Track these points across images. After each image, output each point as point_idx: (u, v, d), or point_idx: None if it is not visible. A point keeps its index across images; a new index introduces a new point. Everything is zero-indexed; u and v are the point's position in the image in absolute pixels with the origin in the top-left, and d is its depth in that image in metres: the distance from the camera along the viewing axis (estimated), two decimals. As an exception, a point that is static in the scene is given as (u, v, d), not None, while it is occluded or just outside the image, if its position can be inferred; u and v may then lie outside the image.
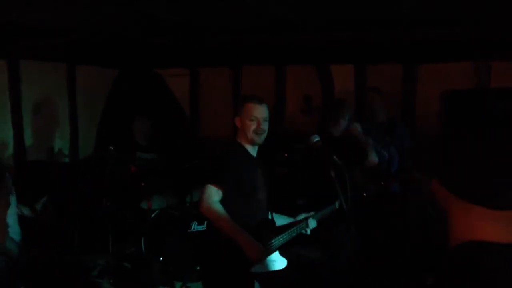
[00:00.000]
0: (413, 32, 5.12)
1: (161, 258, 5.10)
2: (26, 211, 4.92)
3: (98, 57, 6.94)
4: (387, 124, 5.41)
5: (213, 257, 3.39)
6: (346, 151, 3.90)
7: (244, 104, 3.55)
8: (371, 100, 5.62)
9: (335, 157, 3.49)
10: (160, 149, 6.12)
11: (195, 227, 5.17)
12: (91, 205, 5.66)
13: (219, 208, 3.32)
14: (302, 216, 3.73)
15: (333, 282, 4.05)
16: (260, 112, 3.50)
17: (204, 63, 7.53)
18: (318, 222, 3.74)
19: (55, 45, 5.83)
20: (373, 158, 4.81)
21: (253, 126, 3.48)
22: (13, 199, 3.35)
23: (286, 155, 6.17)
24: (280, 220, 3.73)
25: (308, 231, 3.68)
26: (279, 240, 3.48)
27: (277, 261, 3.54)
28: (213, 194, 3.36)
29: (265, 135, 3.54)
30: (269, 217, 3.66)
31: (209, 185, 3.37)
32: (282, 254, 3.60)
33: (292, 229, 3.58)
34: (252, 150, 3.59)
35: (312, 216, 3.71)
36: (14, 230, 3.54)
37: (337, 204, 3.76)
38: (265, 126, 3.51)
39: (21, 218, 4.23)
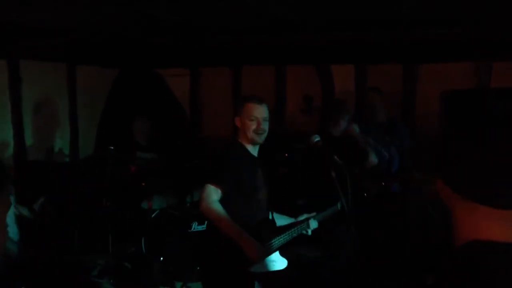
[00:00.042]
0: (413, 32, 5.13)
1: (161, 258, 5.11)
2: (24, 211, 4.91)
3: (98, 57, 6.94)
4: (387, 124, 5.42)
5: (213, 257, 3.39)
6: (346, 151, 3.90)
7: (244, 104, 3.55)
8: (371, 100, 5.62)
9: (335, 157, 3.49)
10: (160, 149, 6.12)
11: (196, 227, 5.17)
12: (91, 205, 5.66)
13: (218, 207, 3.32)
14: (303, 217, 3.71)
15: (333, 282, 4.06)
16: (260, 112, 3.50)
17: (204, 63, 7.54)
18: (319, 223, 3.72)
19: (55, 45, 5.83)
20: (373, 159, 4.82)
21: (253, 126, 3.47)
22: (12, 199, 3.35)
23: (286, 155, 6.17)
24: (281, 221, 3.72)
25: (309, 232, 3.67)
26: (279, 240, 3.47)
27: (277, 261, 3.54)
28: (212, 194, 3.36)
29: (265, 135, 3.54)
30: (270, 217, 3.66)
31: (209, 185, 3.38)
32: (282, 254, 3.59)
33: (292, 230, 3.57)
34: (253, 150, 3.58)
35: (313, 217, 3.69)
36: (12, 230, 3.55)
37: (339, 205, 3.75)
38: (265, 126, 3.51)
39: (19, 218, 4.24)
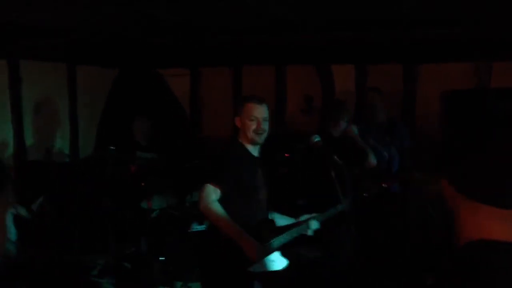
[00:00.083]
0: (413, 32, 5.13)
1: (161, 258, 5.10)
2: (22, 211, 4.91)
3: (98, 57, 6.94)
4: (387, 124, 5.42)
5: (213, 257, 3.39)
6: (345, 152, 3.90)
7: (244, 104, 3.55)
8: (371, 100, 5.62)
9: (335, 157, 3.49)
10: (160, 149, 6.12)
11: (195, 227, 5.17)
12: (91, 205, 5.66)
13: (217, 207, 3.33)
14: (304, 217, 3.71)
15: (333, 282, 4.06)
16: (260, 112, 3.50)
17: (204, 63, 7.53)
18: (321, 224, 3.71)
19: (55, 45, 5.83)
20: (372, 160, 4.82)
21: (253, 126, 3.48)
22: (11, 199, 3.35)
23: (286, 155, 6.16)
24: (283, 221, 3.72)
25: (310, 233, 3.66)
26: (279, 240, 3.47)
27: (277, 261, 3.53)
28: (212, 194, 3.37)
29: (265, 135, 3.54)
30: (270, 217, 3.65)
31: (208, 185, 3.39)
32: (282, 254, 3.59)
33: (293, 230, 3.57)
34: (253, 150, 3.58)
35: (315, 218, 3.69)
36: (10, 231, 3.54)
37: (341, 207, 3.74)
38: (265, 126, 3.51)
39: (17, 218, 4.23)
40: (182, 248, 5.12)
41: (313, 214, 3.72)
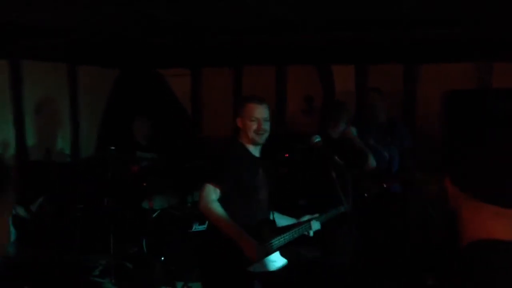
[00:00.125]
0: (413, 32, 5.13)
1: (162, 258, 5.11)
2: (21, 211, 4.92)
3: (99, 57, 6.95)
4: (387, 124, 5.41)
5: (213, 257, 3.39)
6: (344, 153, 3.90)
7: (245, 104, 3.54)
8: (372, 100, 5.62)
9: (336, 157, 3.48)
10: (160, 149, 6.12)
11: (196, 227, 5.18)
12: (92, 205, 5.67)
13: (217, 207, 3.33)
14: (305, 218, 3.70)
15: (333, 282, 4.06)
16: (261, 112, 3.49)
17: (205, 63, 7.54)
18: (322, 225, 3.71)
19: (56, 45, 5.84)
20: (371, 162, 4.82)
21: (254, 126, 3.47)
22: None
23: (287, 155, 6.17)
24: (284, 221, 3.71)
25: (311, 233, 3.63)
26: (279, 240, 3.47)
27: (277, 261, 3.53)
28: (211, 193, 3.37)
29: (266, 135, 3.53)
30: (271, 217, 3.65)
31: (208, 184, 3.39)
32: (282, 254, 3.59)
33: (294, 230, 3.56)
34: (254, 150, 3.58)
35: (316, 219, 3.68)
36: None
37: (343, 208, 3.72)
38: (266, 126, 3.50)
39: (16, 219, 4.23)
40: (183, 248, 5.12)
41: (315, 215, 3.71)
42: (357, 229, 3.59)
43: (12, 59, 6.03)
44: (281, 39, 5.74)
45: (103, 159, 5.45)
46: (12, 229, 3.59)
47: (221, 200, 3.38)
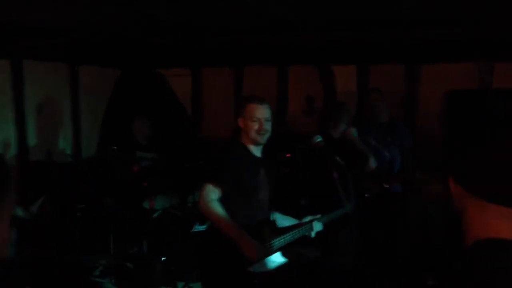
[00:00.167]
0: (413, 32, 5.13)
1: (163, 258, 5.11)
2: (20, 212, 4.92)
3: (100, 57, 6.95)
4: (388, 124, 5.42)
5: (213, 257, 3.39)
6: (345, 154, 3.90)
7: (246, 105, 3.54)
8: (373, 100, 5.62)
9: (337, 157, 3.48)
10: (161, 149, 6.12)
11: (197, 227, 5.18)
12: (93, 205, 5.67)
13: (216, 206, 3.33)
14: (308, 219, 3.69)
15: (333, 282, 4.05)
16: (262, 112, 3.49)
17: (206, 63, 7.54)
18: (324, 226, 3.69)
19: (56, 45, 5.85)
20: (372, 164, 4.82)
21: (256, 126, 3.47)
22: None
23: (288, 155, 6.17)
24: (286, 222, 3.70)
25: (313, 234, 3.63)
26: (279, 241, 3.46)
27: (278, 262, 3.53)
28: (211, 193, 3.37)
29: (268, 135, 3.53)
30: (271, 217, 3.65)
31: (207, 184, 3.39)
32: (282, 254, 3.59)
33: (295, 231, 3.55)
34: (256, 150, 3.58)
35: (318, 219, 3.67)
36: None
37: (345, 209, 3.71)
38: (267, 126, 3.50)
39: (15, 219, 4.22)
40: (184, 248, 5.12)
41: (317, 216, 3.70)
42: (357, 229, 3.59)
43: (13, 59, 6.03)
44: (281, 39, 5.75)
45: (104, 159, 5.45)
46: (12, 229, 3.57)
47: (221, 200, 3.38)
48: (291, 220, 3.74)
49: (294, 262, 3.62)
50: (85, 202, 5.45)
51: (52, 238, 5.29)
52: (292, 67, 7.27)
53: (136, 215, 5.54)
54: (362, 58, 6.69)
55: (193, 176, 5.70)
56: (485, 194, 1.24)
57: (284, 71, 7.29)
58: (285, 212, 3.79)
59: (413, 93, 6.65)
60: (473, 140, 1.29)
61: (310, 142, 3.74)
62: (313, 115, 6.97)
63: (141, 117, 6.18)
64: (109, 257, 5.20)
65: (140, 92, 7.53)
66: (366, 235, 4.39)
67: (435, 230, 4.99)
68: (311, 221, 3.64)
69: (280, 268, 3.50)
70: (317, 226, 3.63)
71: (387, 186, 4.97)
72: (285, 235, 3.50)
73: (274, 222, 3.63)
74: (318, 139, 3.70)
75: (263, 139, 3.52)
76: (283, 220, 3.70)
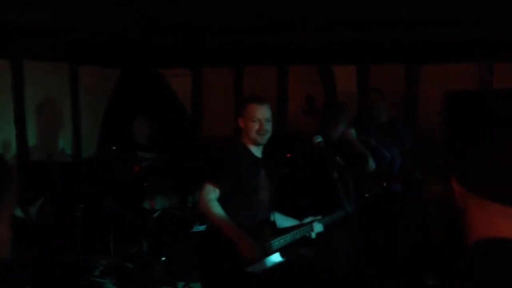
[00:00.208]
0: (413, 32, 5.13)
1: (163, 258, 5.11)
2: (18, 212, 4.92)
3: (100, 57, 6.96)
4: (388, 124, 5.41)
5: (212, 257, 3.39)
6: (344, 155, 3.90)
7: (247, 105, 3.54)
8: (373, 100, 5.62)
9: (337, 157, 3.48)
10: (161, 149, 6.12)
11: (197, 227, 5.18)
12: (93, 205, 5.67)
13: (215, 206, 3.34)
14: (309, 219, 3.69)
15: (333, 282, 4.06)
16: (262, 113, 3.48)
17: (206, 63, 7.55)
18: (325, 227, 3.69)
19: (56, 45, 5.85)
20: (371, 165, 4.82)
21: (256, 127, 3.46)
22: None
23: (288, 155, 6.17)
24: (287, 223, 3.70)
25: (313, 235, 3.62)
26: (279, 241, 3.46)
27: (277, 262, 3.53)
28: (210, 193, 3.37)
29: (268, 135, 3.52)
30: (272, 217, 3.64)
31: (207, 184, 3.40)
32: (283, 255, 3.58)
33: (295, 232, 3.55)
34: (256, 151, 3.58)
35: (319, 220, 3.66)
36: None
37: (346, 210, 3.70)
38: (268, 127, 3.49)
39: (15, 219, 4.21)
40: (184, 248, 5.12)
41: (318, 217, 3.70)
42: (357, 229, 3.58)
43: (13, 59, 6.03)
44: (281, 39, 5.75)
45: (104, 159, 5.46)
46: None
47: (221, 200, 3.38)
48: (291, 220, 3.73)
49: (293, 263, 3.62)
50: (85, 202, 5.45)
51: (52, 238, 5.29)
52: (292, 67, 7.27)
53: (136, 215, 5.54)
54: (362, 58, 6.69)
55: (193, 176, 5.70)
56: (487, 193, 1.24)
57: (284, 71, 7.28)
58: (285, 212, 3.78)
59: (413, 93, 6.65)
60: (474, 139, 1.29)
61: (310, 142, 3.73)
62: (313, 115, 6.96)
63: (141, 117, 6.19)
64: (109, 257, 5.20)
65: (140, 92, 7.53)
66: (366, 235, 4.38)
67: (435, 230, 4.99)
68: (311, 222, 3.63)
69: (280, 268, 3.50)
70: (318, 227, 3.62)
71: (386, 185, 4.96)
72: (285, 236, 3.49)
73: (274, 222, 3.62)
74: (319, 139, 3.69)
75: (264, 139, 3.51)
76: (283, 221, 3.70)
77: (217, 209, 3.33)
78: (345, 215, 3.62)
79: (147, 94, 7.56)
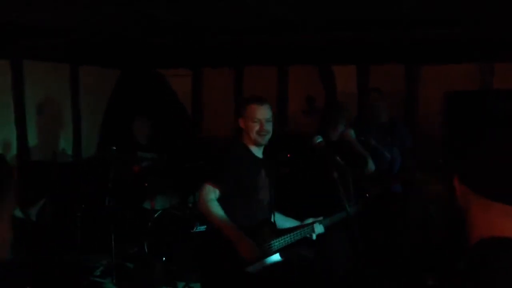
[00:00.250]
0: (413, 32, 5.13)
1: (163, 258, 5.11)
2: (17, 212, 4.92)
3: (100, 57, 6.96)
4: (388, 124, 5.41)
5: (212, 257, 3.39)
6: (343, 155, 3.89)
7: (247, 105, 3.53)
8: (373, 101, 5.62)
9: (338, 158, 3.48)
10: (161, 149, 6.12)
11: (198, 227, 5.18)
12: (94, 205, 5.67)
13: (214, 206, 3.34)
14: (309, 220, 3.67)
15: (333, 282, 4.05)
16: (263, 113, 3.48)
17: (206, 63, 7.54)
18: (326, 228, 3.68)
19: (56, 45, 5.85)
20: (370, 166, 4.82)
21: (256, 127, 3.46)
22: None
23: (288, 155, 6.16)
24: (288, 224, 3.69)
25: (314, 236, 3.61)
26: (279, 242, 3.46)
27: (277, 262, 3.53)
28: (210, 193, 3.37)
29: (269, 135, 3.52)
30: (272, 218, 3.64)
31: (206, 184, 3.40)
32: (283, 255, 3.58)
33: (295, 232, 3.54)
34: (257, 151, 3.58)
35: (320, 222, 3.65)
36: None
37: (347, 211, 3.69)
38: (268, 127, 3.49)
39: (15, 220, 4.22)
40: (184, 249, 5.12)
41: (319, 218, 3.69)
42: (357, 229, 3.58)
43: (13, 59, 6.03)
44: (281, 39, 5.75)
45: (104, 159, 5.45)
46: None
47: (221, 200, 3.38)
48: (292, 221, 3.73)
49: (293, 263, 3.62)
50: (85, 202, 5.45)
51: (52, 238, 5.30)
52: (292, 67, 7.26)
53: (136, 215, 5.55)
54: (362, 58, 6.68)
55: (193, 176, 5.69)
56: (489, 193, 1.24)
57: (284, 71, 7.28)
58: (286, 212, 3.78)
59: (413, 93, 6.65)
60: (474, 139, 1.29)
61: (310, 142, 3.73)
62: (313, 115, 6.95)
63: (141, 117, 6.19)
64: (110, 257, 5.20)
65: (140, 92, 7.53)
66: (366, 235, 4.38)
67: (435, 230, 4.99)
68: (312, 223, 3.62)
69: (280, 268, 3.50)
70: (319, 228, 3.61)
71: (386, 185, 4.96)
72: (285, 236, 3.49)
73: (274, 222, 3.62)
74: (319, 139, 3.69)
75: (264, 139, 3.51)
76: (284, 221, 3.69)
77: (217, 209, 3.33)
78: (345, 216, 3.63)
79: (147, 94, 7.56)
